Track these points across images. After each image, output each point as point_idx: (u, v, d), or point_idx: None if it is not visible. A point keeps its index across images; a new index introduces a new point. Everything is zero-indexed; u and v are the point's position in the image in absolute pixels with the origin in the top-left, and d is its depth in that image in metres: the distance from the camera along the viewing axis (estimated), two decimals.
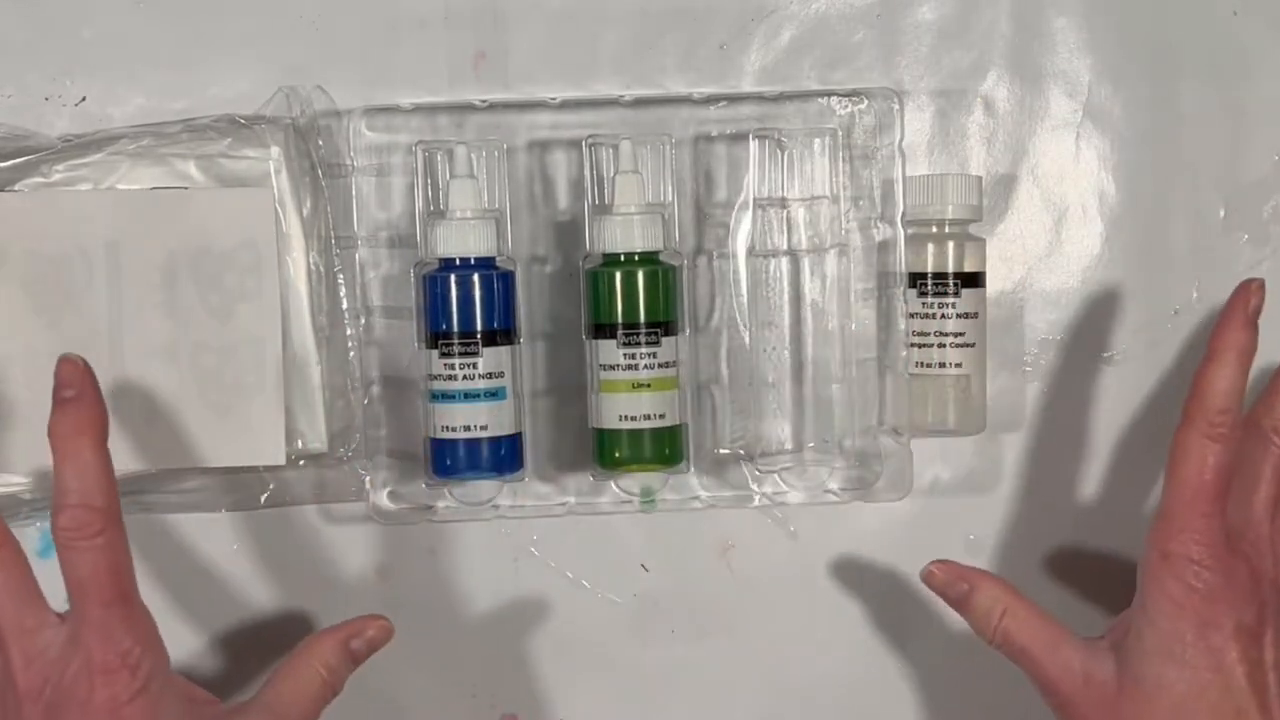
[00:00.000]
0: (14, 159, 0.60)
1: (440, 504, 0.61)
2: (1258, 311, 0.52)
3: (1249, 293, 0.52)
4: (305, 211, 0.60)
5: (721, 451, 0.62)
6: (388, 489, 0.62)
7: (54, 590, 0.62)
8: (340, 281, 0.61)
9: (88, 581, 0.49)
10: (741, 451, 0.62)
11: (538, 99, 0.61)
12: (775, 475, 0.62)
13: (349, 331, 0.61)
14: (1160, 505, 0.52)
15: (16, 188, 0.60)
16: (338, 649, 0.54)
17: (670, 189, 0.60)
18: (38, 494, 0.61)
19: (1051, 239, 0.64)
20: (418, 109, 0.61)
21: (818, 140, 0.60)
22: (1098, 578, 0.64)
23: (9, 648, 0.49)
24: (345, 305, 0.61)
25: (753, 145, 0.60)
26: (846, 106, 0.61)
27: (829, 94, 0.61)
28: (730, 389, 0.62)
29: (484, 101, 0.61)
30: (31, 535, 0.62)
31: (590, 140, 0.60)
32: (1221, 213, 0.64)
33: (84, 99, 0.62)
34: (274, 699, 0.53)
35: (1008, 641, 0.54)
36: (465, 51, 0.62)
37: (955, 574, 0.55)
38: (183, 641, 0.62)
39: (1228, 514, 0.51)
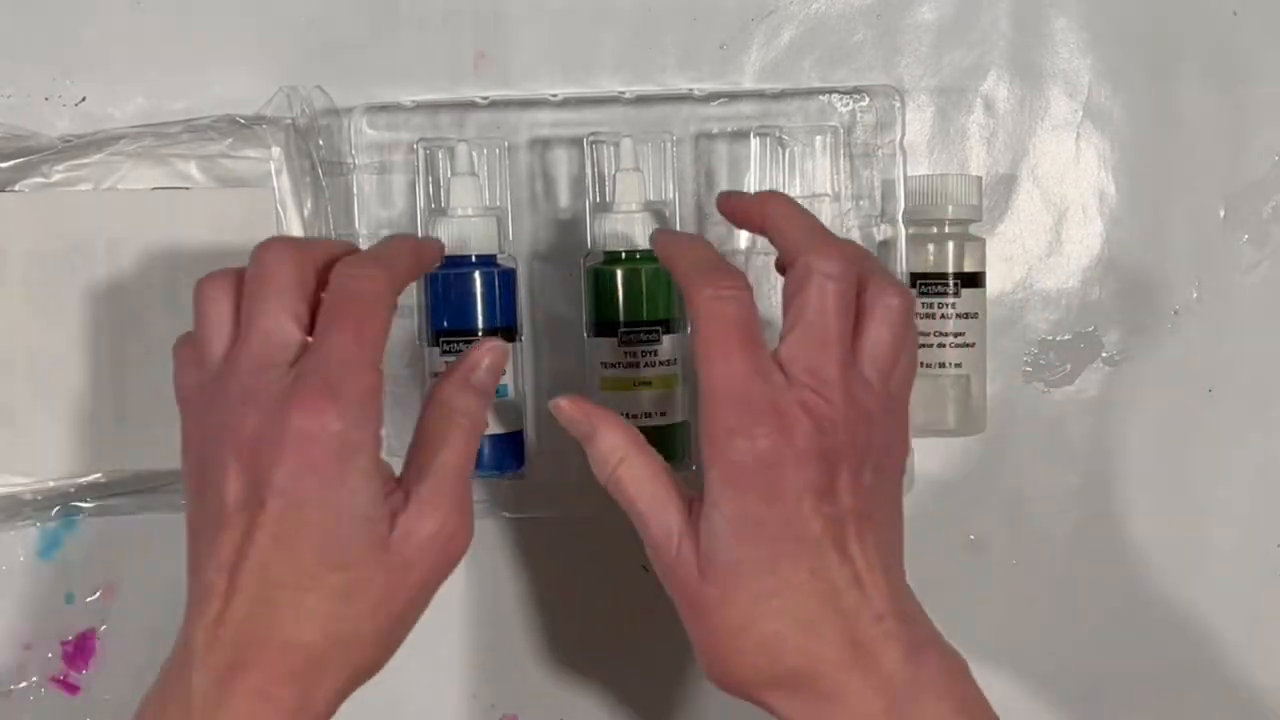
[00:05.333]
0: (14, 159, 0.60)
1: None
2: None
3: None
4: (306, 212, 0.60)
5: None
6: None
7: (53, 590, 0.62)
8: None
9: (344, 308, 0.45)
10: None
11: (539, 96, 0.61)
12: None
13: None
14: (701, 386, 0.46)
15: (16, 188, 0.60)
16: (461, 390, 0.49)
17: (671, 187, 0.60)
18: (38, 494, 0.60)
19: (1051, 239, 0.64)
20: (419, 107, 0.61)
21: (819, 138, 0.61)
22: (1098, 578, 0.64)
23: (240, 348, 0.46)
24: None
25: (754, 143, 0.60)
26: (848, 104, 0.61)
27: (830, 92, 0.61)
28: None
29: (485, 99, 0.61)
30: (31, 535, 0.62)
31: (591, 138, 0.60)
32: (1221, 213, 0.64)
33: (84, 99, 0.62)
34: (429, 465, 0.47)
35: (618, 490, 0.48)
36: (465, 51, 0.62)
37: (582, 412, 0.49)
38: None
39: (784, 365, 0.46)
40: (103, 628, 0.62)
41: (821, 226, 0.49)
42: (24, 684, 0.62)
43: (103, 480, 0.61)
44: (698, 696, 0.64)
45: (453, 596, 0.63)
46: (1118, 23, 0.63)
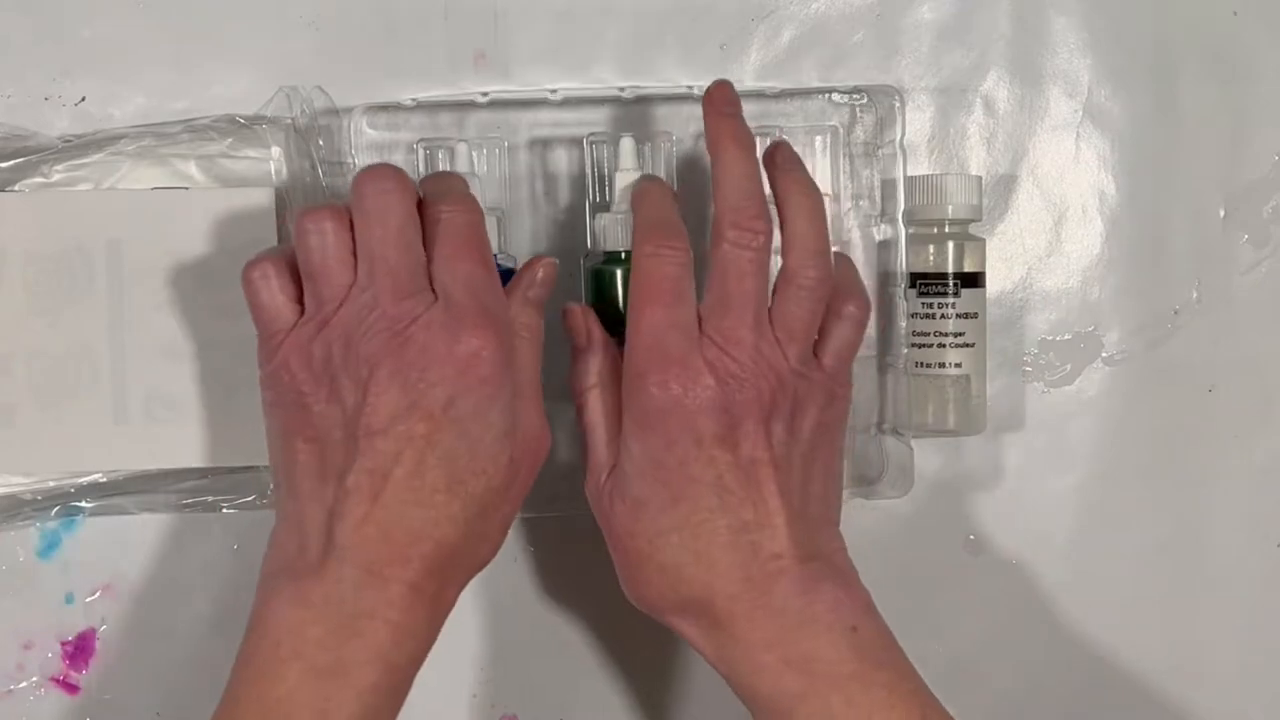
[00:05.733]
0: (14, 159, 0.60)
1: None
2: (731, 101, 0.53)
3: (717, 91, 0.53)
4: None
5: None
6: None
7: (53, 590, 0.62)
8: None
9: (465, 241, 0.51)
10: None
11: (539, 95, 0.61)
12: None
13: None
14: (626, 334, 0.52)
15: (16, 188, 0.60)
16: (522, 306, 0.54)
17: (672, 186, 0.60)
18: (38, 494, 0.60)
19: (1051, 239, 0.64)
20: (419, 106, 0.61)
21: (818, 138, 0.61)
22: (1098, 578, 0.64)
23: (381, 277, 0.50)
24: None
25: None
26: (847, 103, 0.61)
27: (829, 91, 0.61)
28: None
29: (485, 95, 0.61)
30: (31, 535, 0.62)
31: (591, 137, 0.60)
32: (1221, 213, 0.64)
33: (84, 99, 0.62)
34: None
35: (581, 411, 0.54)
36: (465, 51, 0.62)
37: (585, 325, 0.55)
38: (182, 641, 0.62)
39: (701, 324, 0.51)
40: (103, 628, 0.62)
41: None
42: (24, 684, 0.62)
43: (103, 480, 0.61)
44: (698, 696, 0.64)
45: None
46: (1118, 23, 0.63)
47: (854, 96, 0.61)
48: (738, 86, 0.60)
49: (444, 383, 0.48)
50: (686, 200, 0.61)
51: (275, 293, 0.51)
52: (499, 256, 0.58)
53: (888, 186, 0.61)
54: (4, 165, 0.60)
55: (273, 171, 0.60)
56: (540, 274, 0.54)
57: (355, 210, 0.50)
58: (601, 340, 0.54)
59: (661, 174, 0.59)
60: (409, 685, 0.51)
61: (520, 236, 0.61)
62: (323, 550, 0.49)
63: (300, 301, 0.51)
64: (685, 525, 0.50)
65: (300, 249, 0.51)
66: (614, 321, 0.57)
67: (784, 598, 0.49)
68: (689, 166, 0.61)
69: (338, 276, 0.50)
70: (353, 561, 0.48)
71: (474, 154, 0.59)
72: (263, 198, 0.60)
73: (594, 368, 0.54)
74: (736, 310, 0.50)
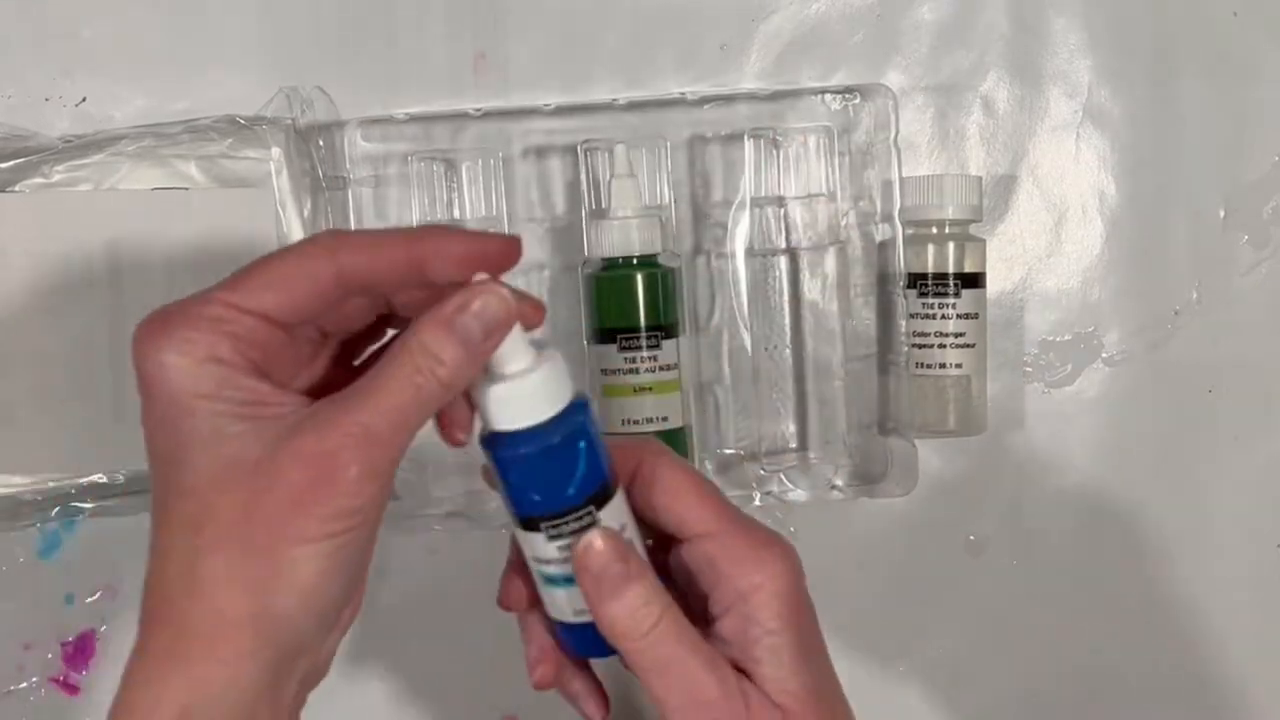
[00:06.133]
0: (14, 159, 0.60)
1: (442, 508, 0.61)
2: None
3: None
4: (306, 212, 0.60)
5: (725, 452, 0.62)
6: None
7: (53, 591, 0.62)
8: None
9: (254, 261, 0.42)
10: (742, 452, 0.62)
11: (532, 106, 0.61)
12: (780, 474, 0.62)
13: None
14: None
15: (17, 188, 0.60)
16: (438, 333, 0.40)
17: (667, 191, 0.60)
18: (38, 494, 0.60)
19: (1051, 239, 0.64)
20: (413, 119, 0.61)
21: (813, 138, 0.61)
22: (1098, 578, 0.64)
23: None
24: None
25: (748, 145, 0.60)
26: (841, 103, 0.61)
27: (823, 91, 0.61)
28: (732, 389, 0.62)
29: (479, 110, 0.61)
30: (31, 535, 0.62)
31: (585, 145, 0.60)
32: (1221, 213, 0.64)
33: (84, 99, 0.62)
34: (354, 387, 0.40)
35: (642, 653, 0.44)
36: (465, 52, 0.62)
37: (623, 553, 0.43)
38: None
39: None
40: (103, 628, 0.63)
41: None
42: (24, 684, 0.62)
43: (103, 480, 0.61)
44: None
45: (452, 597, 0.63)
46: (1118, 23, 0.63)
47: (847, 96, 0.61)
48: (737, 87, 0.61)
49: (142, 409, 0.40)
50: (681, 205, 0.61)
51: None
52: (660, 256, 0.57)
53: (887, 187, 0.61)
54: (4, 165, 0.60)
55: (273, 172, 0.60)
56: (479, 298, 0.40)
57: None
58: (642, 566, 0.44)
59: (657, 178, 0.60)
60: None
61: None
62: None
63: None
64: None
65: None
66: (612, 330, 0.57)
67: None
68: (683, 169, 0.61)
69: None
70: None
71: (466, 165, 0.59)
72: (263, 198, 0.60)
73: (649, 594, 0.43)
74: None
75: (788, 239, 0.61)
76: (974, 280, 0.61)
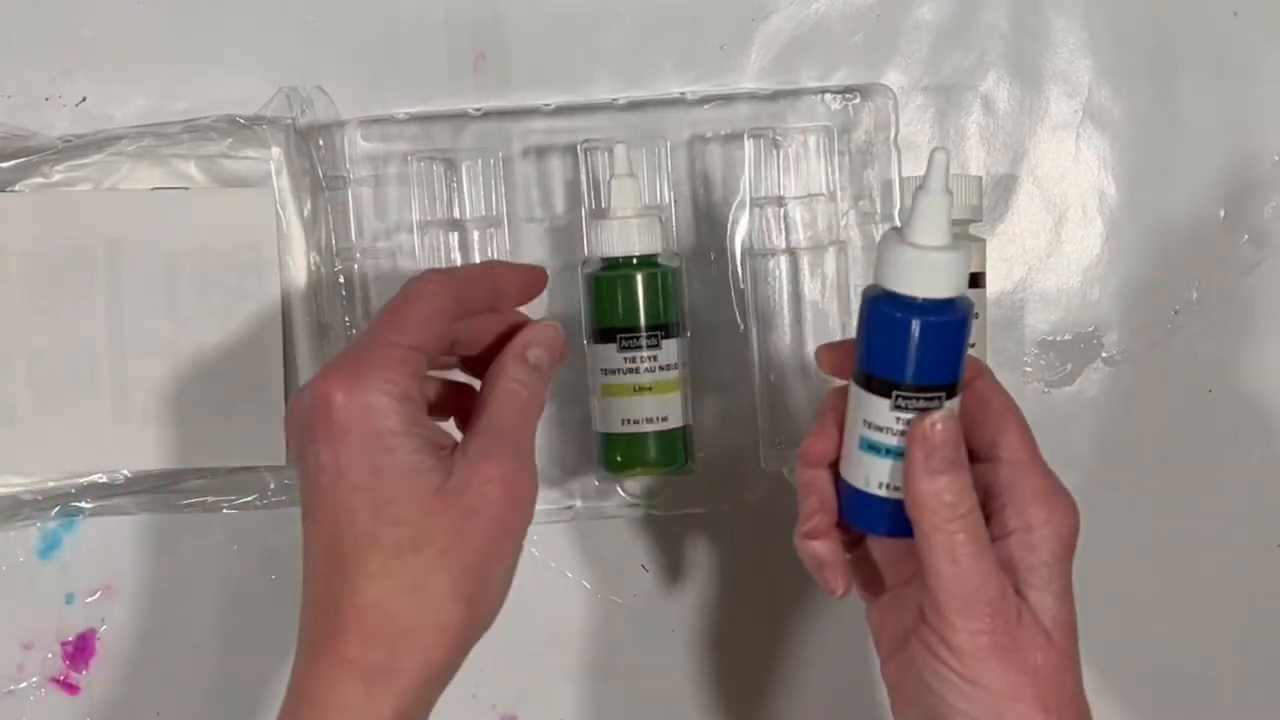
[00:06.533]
0: (14, 159, 0.60)
1: None
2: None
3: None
4: (305, 212, 0.60)
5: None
6: None
7: (53, 590, 0.62)
8: (341, 289, 0.61)
9: (391, 306, 0.48)
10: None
11: (532, 105, 0.61)
12: (781, 472, 0.62)
13: (353, 332, 0.61)
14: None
15: (17, 188, 0.60)
16: (516, 363, 0.50)
17: (667, 191, 0.60)
18: (38, 494, 0.61)
19: (1051, 239, 0.64)
20: (412, 119, 0.61)
21: (813, 138, 0.60)
22: (1097, 578, 0.64)
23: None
24: (346, 318, 0.61)
25: (748, 144, 0.60)
26: (841, 103, 0.61)
27: (822, 91, 0.61)
28: (732, 389, 0.62)
29: (478, 110, 0.61)
30: (31, 535, 0.62)
31: (585, 145, 0.60)
32: (1221, 213, 0.64)
33: (84, 99, 0.62)
34: (482, 419, 0.48)
35: (942, 534, 0.46)
36: (465, 52, 0.62)
37: (955, 439, 0.46)
38: (182, 642, 0.62)
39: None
40: (103, 628, 0.63)
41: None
42: (24, 684, 0.62)
43: (103, 480, 0.61)
44: (698, 695, 0.64)
45: None
46: (1118, 23, 0.63)
47: (847, 96, 0.61)
48: (736, 87, 0.60)
49: (314, 443, 0.46)
50: (682, 204, 0.61)
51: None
52: (660, 256, 0.58)
53: (887, 187, 0.60)
54: (4, 165, 0.60)
55: (273, 171, 0.60)
56: (538, 335, 0.51)
57: None
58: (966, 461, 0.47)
59: (657, 178, 0.60)
60: None
61: (518, 245, 0.61)
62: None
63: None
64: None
65: None
66: (612, 330, 0.57)
67: None
68: (683, 169, 0.61)
69: None
70: (300, 645, 0.47)
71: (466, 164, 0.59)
72: (263, 198, 0.60)
73: (969, 489, 0.46)
74: None
75: (787, 239, 0.61)
76: (974, 280, 0.60)
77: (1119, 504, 0.64)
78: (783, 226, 0.61)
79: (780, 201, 0.60)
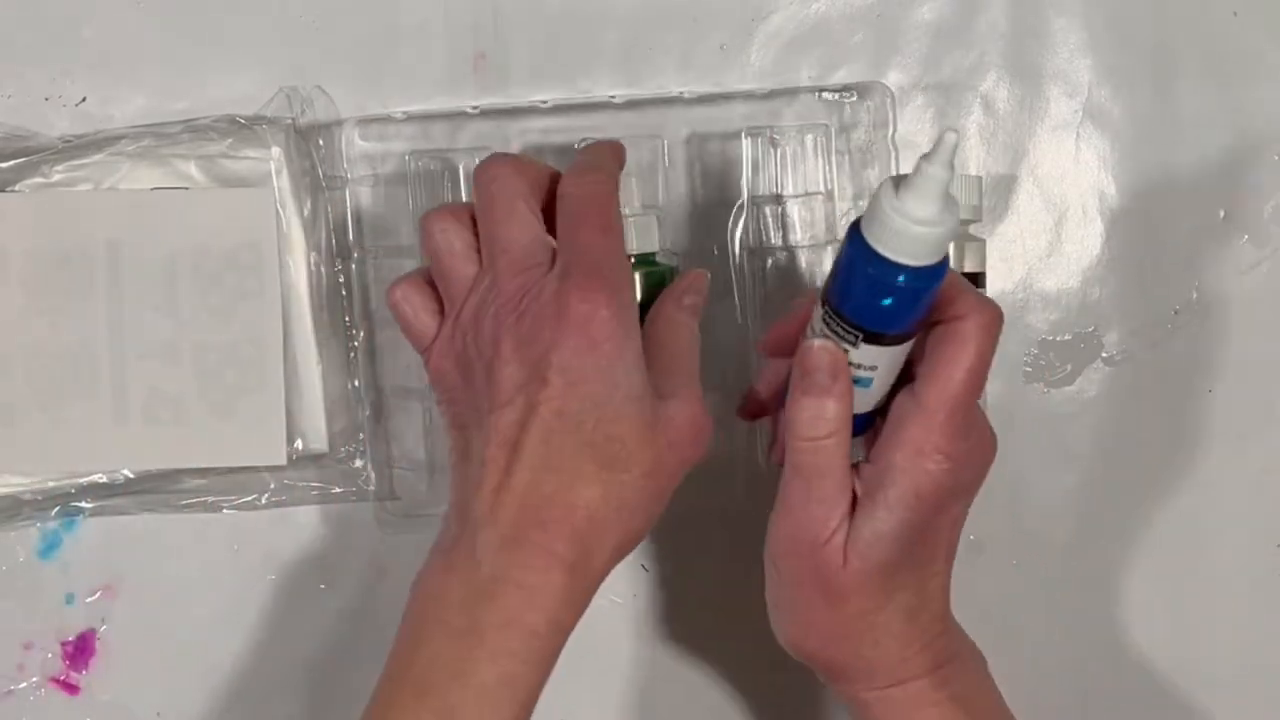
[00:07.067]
0: (14, 159, 0.60)
1: (441, 508, 0.61)
2: None
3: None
4: (306, 212, 0.61)
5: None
6: (389, 490, 0.62)
7: (53, 590, 0.62)
8: (341, 288, 0.61)
9: (583, 211, 0.50)
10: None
11: (530, 104, 0.61)
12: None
13: (354, 332, 0.61)
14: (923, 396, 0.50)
15: (17, 188, 0.60)
16: (676, 309, 0.54)
17: (663, 189, 0.60)
18: (38, 494, 0.61)
19: (1051, 239, 0.64)
20: (410, 118, 0.61)
21: (810, 136, 0.60)
22: (1097, 578, 0.64)
23: (498, 257, 0.50)
24: (346, 318, 0.61)
25: (745, 143, 0.60)
26: (837, 102, 0.61)
27: (820, 90, 0.61)
28: (730, 388, 0.62)
29: (476, 108, 0.61)
30: (32, 535, 0.62)
31: (583, 143, 0.60)
32: (1221, 213, 0.64)
33: (84, 99, 0.62)
34: (673, 366, 0.52)
35: (817, 457, 0.51)
36: (465, 52, 0.62)
37: (831, 367, 0.50)
38: (182, 641, 0.62)
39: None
40: (103, 628, 0.63)
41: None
42: (24, 684, 0.62)
43: (103, 480, 0.61)
44: (697, 695, 0.64)
45: None
46: (1118, 23, 0.63)
47: (844, 95, 0.61)
48: (735, 87, 0.61)
49: (559, 348, 0.48)
50: (679, 203, 0.61)
51: (417, 310, 0.53)
52: (658, 255, 0.58)
53: None
54: (4, 165, 0.60)
55: (273, 171, 0.60)
56: (693, 282, 0.55)
57: (474, 202, 0.52)
58: (847, 388, 0.50)
59: (655, 175, 0.60)
60: (553, 655, 0.50)
61: None
62: (465, 523, 0.49)
63: (442, 309, 0.53)
64: (904, 593, 0.52)
65: (427, 255, 0.52)
66: None
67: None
68: (681, 167, 0.61)
69: (461, 270, 0.51)
70: (490, 530, 0.48)
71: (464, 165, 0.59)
72: (263, 198, 0.60)
73: (833, 414, 0.50)
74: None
75: (785, 237, 0.61)
76: (974, 280, 0.60)
77: (1119, 504, 0.64)
78: (780, 225, 0.61)
79: (778, 200, 0.60)
